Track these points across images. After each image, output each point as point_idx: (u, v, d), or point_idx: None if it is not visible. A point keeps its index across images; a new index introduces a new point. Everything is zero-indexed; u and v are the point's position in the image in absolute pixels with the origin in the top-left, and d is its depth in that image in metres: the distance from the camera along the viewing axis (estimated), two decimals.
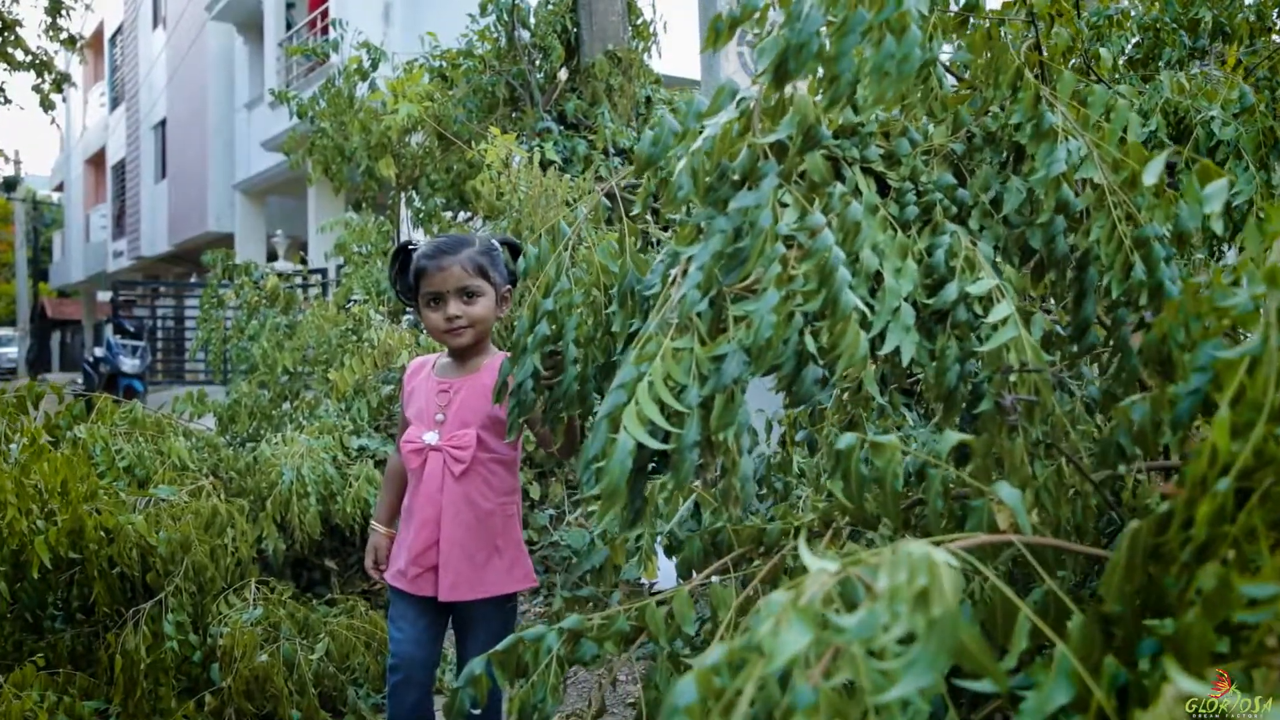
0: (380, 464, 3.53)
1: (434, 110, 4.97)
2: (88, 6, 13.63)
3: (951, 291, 1.46)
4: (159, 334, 18.03)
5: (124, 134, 25.68)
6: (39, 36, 12.50)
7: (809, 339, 1.36)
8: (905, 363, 1.39)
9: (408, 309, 4.82)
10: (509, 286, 2.20)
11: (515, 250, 2.26)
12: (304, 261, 9.22)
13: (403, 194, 5.27)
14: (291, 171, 15.15)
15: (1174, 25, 3.26)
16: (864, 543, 1.67)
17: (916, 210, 1.60)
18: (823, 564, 0.88)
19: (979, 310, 1.49)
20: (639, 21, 5.64)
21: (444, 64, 5.46)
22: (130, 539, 2.37)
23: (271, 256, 18.06)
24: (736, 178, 1.45)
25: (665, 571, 3.24)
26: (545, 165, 4.18)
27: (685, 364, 1.32)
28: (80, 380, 14.63)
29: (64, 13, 12.34)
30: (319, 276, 12.23)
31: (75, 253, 30.87)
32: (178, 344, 18.19)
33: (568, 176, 4.02)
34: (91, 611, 2.55)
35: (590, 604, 1.74)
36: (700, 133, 1.53)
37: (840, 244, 1.35)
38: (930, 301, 1.49)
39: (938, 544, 0.95)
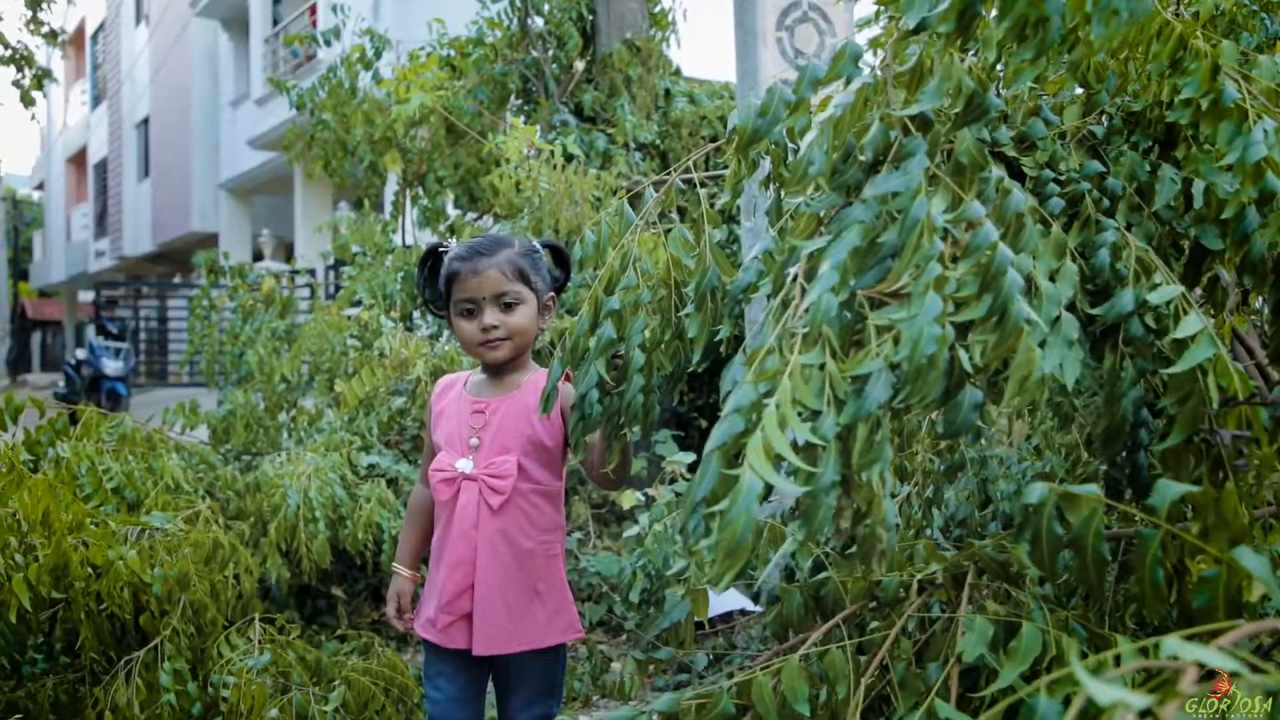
0: (392, 483, 3.25)
1: (444, 101, 4.70)
2: (70, 0, 13.28)
3: (1126, 300, 1.20)
4: (142, 335, 17.71)
5: (106, 132, 25.25)
6: (19, 30, 12.18)
7: (962, 354, 1.08)
8: (1070, 385, 1.12)
9: (418, 313, 4.54)
10: (552, 294, 1.93)
11: (558, 254, 2.00)
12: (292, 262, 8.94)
13: (407, 190, 4.99)
14: (279, 170, 14.88)
15: (1253, 8, 3.05)
16: (999, 600, 1.42)
17: (1062, 203, 1.35)
18: (1121, 695, 0.62)
19: (1151, 322, 1.24)
20: (656, 9, 5.38)
21: (452, 52, 5.19)
22: (122, 576, 2.10)
23: (257, 256, 17.75)
24: (865, 158, 1.20)
25: (713, 602, 2.97)
26: (568, 159, 3.92)
27: (815, 384, 1.05)
28: (62, 382, 14.28)
29: (45, 6, 11.99)
30: (310, 276, 11.95)
31: (56, 252, 30.38)
32: (161, 345, 17.88)
33: (592, 172, 3.76)
34: (77, 654, 2.28)
35: (668, 669, 1.47)
36: (817, 103, 1.28)
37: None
38: (1097, 311, 1.23)
39: (1200, 638, 0.70)
